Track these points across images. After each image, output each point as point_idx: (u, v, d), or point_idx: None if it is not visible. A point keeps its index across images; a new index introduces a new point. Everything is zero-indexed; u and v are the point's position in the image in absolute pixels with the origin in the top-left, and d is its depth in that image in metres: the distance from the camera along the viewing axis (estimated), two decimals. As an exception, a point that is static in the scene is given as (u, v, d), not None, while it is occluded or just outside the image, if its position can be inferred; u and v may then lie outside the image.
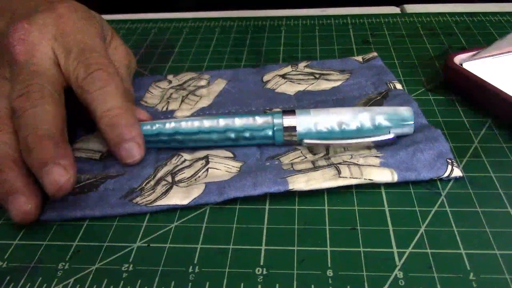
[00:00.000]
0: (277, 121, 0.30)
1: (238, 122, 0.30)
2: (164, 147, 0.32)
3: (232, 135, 0.30)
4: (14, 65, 0.30)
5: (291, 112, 0.30)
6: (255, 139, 0.31)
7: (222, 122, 0.30)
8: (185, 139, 0.31)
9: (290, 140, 0.30)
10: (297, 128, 0.30)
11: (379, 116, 0.30)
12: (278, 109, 0.35)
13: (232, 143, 0.31)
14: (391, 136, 0.30)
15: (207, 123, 0.30)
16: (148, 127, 0.31)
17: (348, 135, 0.30)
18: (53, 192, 0.25)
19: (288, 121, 0.30)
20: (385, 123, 0.30)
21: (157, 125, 0.31)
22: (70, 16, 0.31)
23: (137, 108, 0.33)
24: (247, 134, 0.30)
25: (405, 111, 0.30)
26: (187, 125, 0.31)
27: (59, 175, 0.25)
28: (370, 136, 0.30)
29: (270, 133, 0.30)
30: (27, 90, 0.28)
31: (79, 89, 0.30)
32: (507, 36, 0.35)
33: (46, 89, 0.28)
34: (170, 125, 0.31)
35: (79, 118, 0.33)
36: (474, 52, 0.36)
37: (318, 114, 0.30)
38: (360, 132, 0.30)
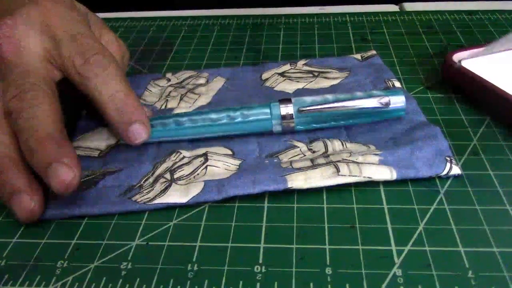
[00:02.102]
0: (273, 102, 0.31)
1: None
2: (163, 137, 0.32)
3: (231, 113, 0.31)
4: (3, 63, 0.29)
5: (287, 100, 0.31)
6: (252, 115, 0.31)
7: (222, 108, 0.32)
8: (184, 120, 0.31)
9: (287, 125, 0.31)
10: (292, 101, 0.31)
11: (371, 91, 0.31)
12: None
13: (229, 122, 0.31)
14: (386, 99, 0.30)
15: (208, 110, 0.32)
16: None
17: (342, 100, 0.31)
18: (61, 191, 0.25)
19: (285, 107, 0.31)
20: (378, 92, 0.31)
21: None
22: (54, 7, 0.31)
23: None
24: (245, 111, 0.31)
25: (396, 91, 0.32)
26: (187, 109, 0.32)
27: (65, 174, 0.25)
28: (364, 98, 0.31)
29: (267, 109, 0.31)
30: (21, 90, 0.28)
31: (78, 76, 0.29)
32: (505, 37, 0.35)
33: (40, 88, 0.28)
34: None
35: (78, 106, 0.32)
36: (472, 51, 0.36)
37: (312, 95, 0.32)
38: (353, 99, 0.31)
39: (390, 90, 0.32)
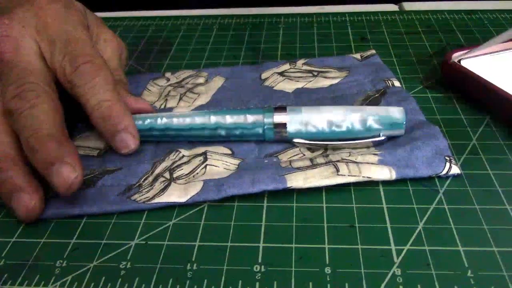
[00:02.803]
0: (267, 120, 0.30)
1: (229, 119, 0.31)
2: (157, 140, 0.32)
3: (223, 133, 0.31)
4: (1, 63, 0.29)
5: (282, 109, 0.30)
6: (245, 137, 0.31)
7: (213, 119, 0.31)
8: (177, 135, 0.31)
9: (280, 137, 0.31)
10: (287, 128, 0.30)
11: (370, 117, 0.30)
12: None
13: (224, 140, 0.31)
14: (381, 138, 0.30)
15: (198, 120, 0.31)
16: (140, 122, 0.31)
17: (338, 135, 0.30)
18: (64, 191, 0.25)
19: (278, 118, 0.30)
20: (376, 126, 0.30)
21: (148, 120, 0.31)
22: (50, 7, 0.31)
23: (138, 98, 0.33)
24: (237, 132, 0.31)
25: (397, 112, 0.30)
26: (178, 121, 0.31)
27: (68, 174, 0.25)
28: (360, 138, 0.30)
29: (260, 131, 0.30)
30: (21, 90, 0.28)
31: (68, 83, 0.29)
32: (501, 34, 0.35)
33: (40, 87, 0.28)
34: (161, 121, 0.31)
35: (78, 105, 0.32)
36: (467, 50, 0.36)
37: (309, 113, 0.30)
38: (350, 133, 0.30)
39: (392, 121, 0.30)
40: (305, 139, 0.30)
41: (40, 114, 0.27)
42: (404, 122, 0.30)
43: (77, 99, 0.30)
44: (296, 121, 0.30)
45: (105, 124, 0.29)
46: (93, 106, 0.29)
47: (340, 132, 0.30)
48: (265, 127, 0.30)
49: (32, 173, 0.27)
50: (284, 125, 0.30)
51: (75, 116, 0.34)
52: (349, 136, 0.30)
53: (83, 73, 0.29)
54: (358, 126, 0.30)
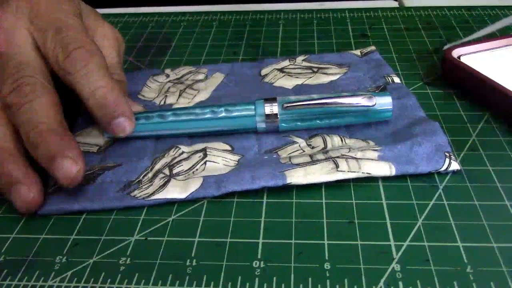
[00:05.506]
0: (258, 100, 0.31)
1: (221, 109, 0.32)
2: (146, 130, 0.31)
3: (215, 108, 0.31)
4: None
5: (272, 99, 0.31)
6: (236, 111, 0.31)
7: (207, 109, 0.32)
8: (168, 114, 0.31)
9: (271, 124, 0.31)
10: (277, 99, 0.31)
11: (358, 92, 0.31)
12: None
13: (213, 116, 0.31)
14: (373, 102, 0.30)
15: (193, 109, 0.32)
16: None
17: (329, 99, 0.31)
18: (67, 184, 0.26)
19: (269, 105, 0.31)
20: (365, 93, 0.31)
21: (143, 115, 0.32)
22: None
23: (133, 103, 0.33)
24: (229, 107, 0.31)
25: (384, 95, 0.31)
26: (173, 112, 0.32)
27: (70, 167, 0.26)
28: (350, 96, 0.30)
29: (251, 106, 0.31)
30: (18, 84, 0.27)
31: (61, 70, 0.29)
32: (495, 23, 0.35)
33: (37, 80, 0.28)
34: (155, 113, 0.32)
35: (72, 101, 0.32)
36: (471, 47, 0.36)
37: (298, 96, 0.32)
38: (339, 97, 0.31)
39: (379, 92, 0.31)
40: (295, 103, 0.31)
41: (39, 108, 0.27)
42: (390, 95, 0.31)
43: (71, 87, 0.29)
44: (286, 97, 0.31)
45: (102, 111, 0.29)
46: (88, 94, 0.29)
47: (329, 96, 0.31)
48: (256, 102, 0.31)
49: (31, 166, 0.27)
50: (275, 115, 0.31)
51: (74, 109, 0.34)
52: (340, 100, 0.30)
53: (76, 60, 0.28)
54: (346, 93, 0.31)
